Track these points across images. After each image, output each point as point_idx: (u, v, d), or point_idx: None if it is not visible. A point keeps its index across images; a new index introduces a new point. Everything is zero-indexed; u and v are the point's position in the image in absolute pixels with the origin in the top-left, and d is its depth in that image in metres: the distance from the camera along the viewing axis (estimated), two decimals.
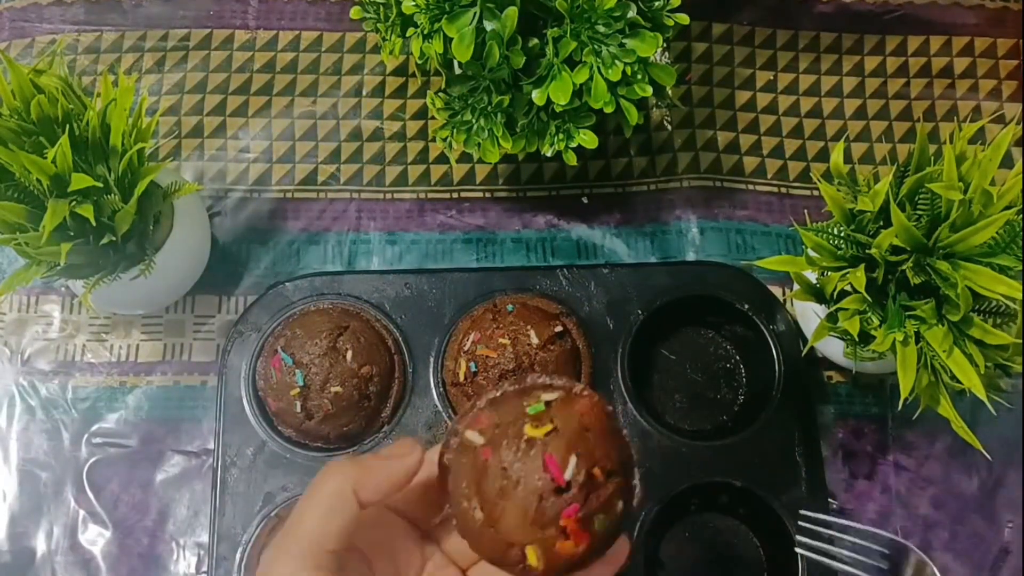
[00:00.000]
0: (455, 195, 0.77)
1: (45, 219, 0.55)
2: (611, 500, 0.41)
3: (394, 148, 0.79)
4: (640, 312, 0.71)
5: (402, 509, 0.46)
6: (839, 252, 0.60)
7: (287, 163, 0.78)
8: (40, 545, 0.68)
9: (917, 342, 0.56)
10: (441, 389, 0.69)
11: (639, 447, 0.68)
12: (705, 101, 0.80)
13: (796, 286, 0.62)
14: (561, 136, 0.66)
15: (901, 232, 0.55)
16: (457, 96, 0.67)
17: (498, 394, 0.44)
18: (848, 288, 0.58)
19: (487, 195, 0.78)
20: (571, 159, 0.67)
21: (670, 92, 0.75)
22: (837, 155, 0.61)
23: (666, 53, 0.81)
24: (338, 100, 0.80)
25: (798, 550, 0.62)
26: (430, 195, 0.77)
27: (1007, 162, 0.67)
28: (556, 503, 0.39)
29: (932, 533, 0.70)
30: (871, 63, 0.82)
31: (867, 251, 0.58)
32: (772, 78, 0.82)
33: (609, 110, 0.63)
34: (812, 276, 0.62)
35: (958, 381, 0.55)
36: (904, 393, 0.56)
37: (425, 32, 0.63)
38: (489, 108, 0.65)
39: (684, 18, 0.64)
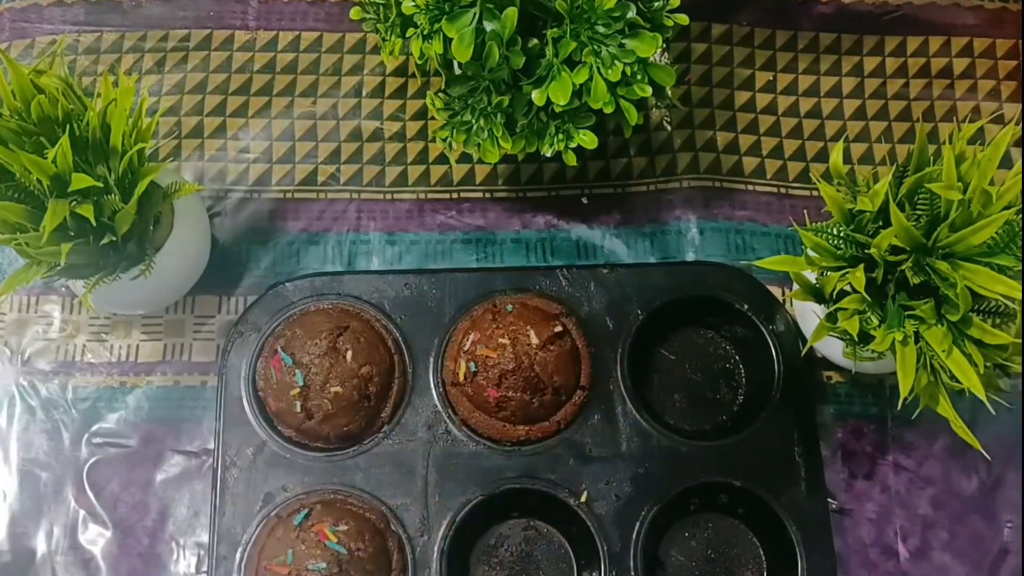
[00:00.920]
0: (455, 195, 0.78)
1: (45, 219, 0.56)
2: None
3: (394, 148, 0.79)
4: (640, 312, 0.71)
5: None
6: (838, 252, 0.60)
7: (287, 163, 0.78)
8: (40, 545, 0.68)
9: (916, 342, 0.56)
10: (441, 389, 0.69)
11: (639, 447, 0.68)
12: (704, 101, 0.81)
13: (795, 286, 0.62)
14: (561, 136, 0.66)
15: (900, 232, 0.55)
16: (457, 96, 0.67)
17: None
18: (847, 288, 0.58)
19: (487, 195, 0.78)
20: (571, 159, 0.67)
21: (669, 92, 0.75)
22: (836, 155, 0.61)
23: (665, 54, 0.81)
24: (338, 101, 0.80)
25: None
26: (430, 195, 0.77)
27: (1006, 162, 0.67)
28: None
29: (931, 533, 0.70)
30: (870, 64, 0.82)
31: (866, 251, 0.58)
32: (771, 79, 0.82)
33: (609, 110, 0.63)
34: (811, 276, 0.62)
35: (957, 381, 0.55)
36: (903, 393, 0.56)
37: (425, 33, 0.63)
38: (489, 108, 0.65)
39: (684, 19, 0.64)
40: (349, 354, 0.66)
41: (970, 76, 0.82)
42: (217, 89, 0.80)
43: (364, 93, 0.80)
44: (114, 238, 0.60)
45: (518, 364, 0.66)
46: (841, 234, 0.60)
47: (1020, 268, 0.55)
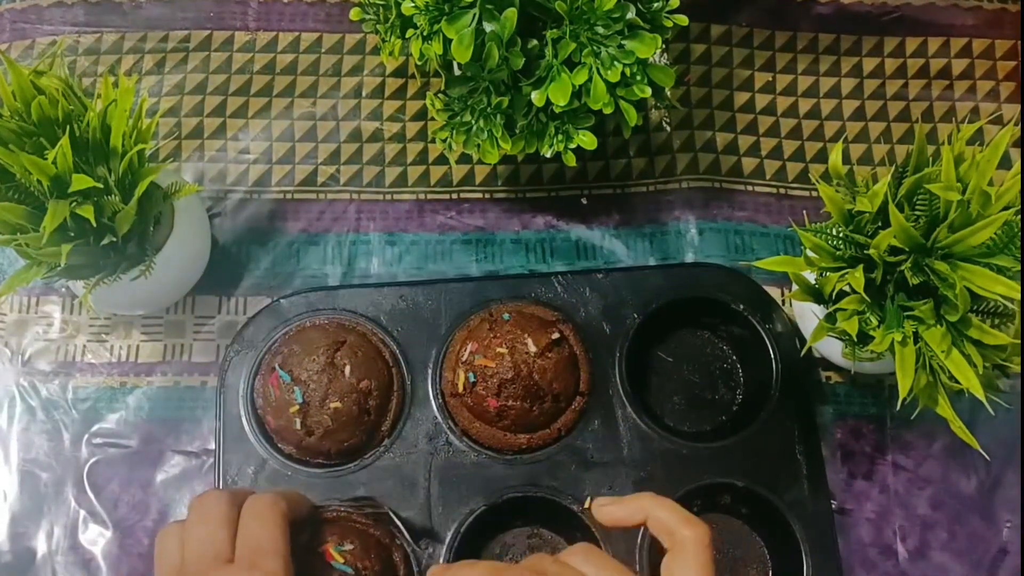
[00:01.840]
0: (454, 196, 0.78)
1: (46, 220, 0.56)
2: None
3: (394, 149, 0.79)
4: (636, 315, 0.71)
5: None
6: (837, 253, 0.60)
7: (287, 164, 0.78)
8: (41, 545, 0.68)
9: (915, 342, 0.57)
10: (440, 400, 0.69)
11: (640, 451, 0.68)
12: (704, 102, 0.81)
13: (795, 286, 0.62)
14: (560, 137, 0.66)
15: (899, 233, 0.55)
16: (456, 97, 0.67)
17: None
18: (846, 288, 0.58)
19: (486, 196, 0.78)
20: (570, 160, 0.67)
21: (669, 93, 0.75)
22: (835, 156, 0.61)
23: (665, 54, 0.81)
24: (338, 101, 0.80)
25: None
26: (429, 196, 0.78)
27: (1005, 163, 0.67)
28: None
29: (930, 533, 0.70)
30: (869, 64, 0.83)
31: (865, 252, 0.58)
32: (771, 79, 0.82)
33: (608, 111, 0.63)
34: (811, 276, 0.63)
35: (956, 381, 0.55)
36: (902, 393, 0.56)
37: (424, 33, 0.63)
38: (488, 109, 0.65)
39: (683, 19, 0.64)
40: (347, 369, 0.66)
41: (969, 77, 0.82)
42: (217, 90, 0.80)
43: (364, 94, 0.80)
44: (114, 239, 0.60)
45: (517, 372, 0.65)
46: (840, 235, 0.60)
47: (1019, 269, 0.55)
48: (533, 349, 0.66)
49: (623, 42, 0.62)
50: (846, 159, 0.79)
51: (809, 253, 0.61)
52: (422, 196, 0.77)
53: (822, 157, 0.79)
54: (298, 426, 0.65)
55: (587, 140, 0.66)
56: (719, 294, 0.71)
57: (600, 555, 0.48)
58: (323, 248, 0.76)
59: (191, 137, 0.78)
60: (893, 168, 0.60)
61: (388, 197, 0.77)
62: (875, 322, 0.58)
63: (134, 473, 0.70)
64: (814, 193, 0.76)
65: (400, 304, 0.72)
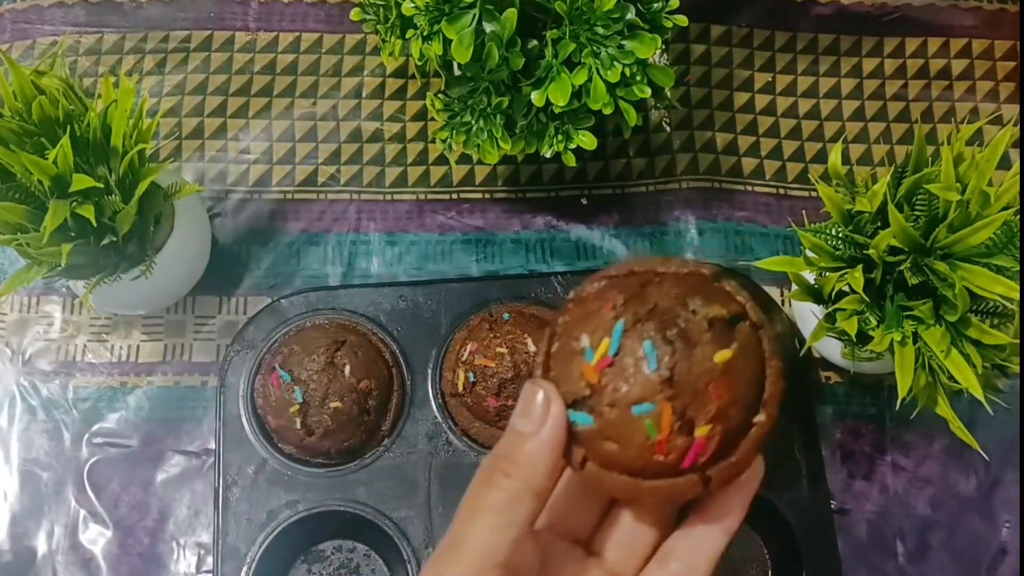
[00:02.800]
0: (454, 196, 0.78)
1: (46, 220, 0.56)
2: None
3: (394, 149, 0.79)
4: None
5: (557, 524, 0.43)
6: (837, 253, 0.60)
7: (287, 164, 0.78)
8: (41, 545, 0.68)
9: (915, 342, 0.57)
10: (440, 400, 0.69)
11: None
12: (703, 102, 0.81)
13: (794, 286, 0.62)
14: (560, 137, 0.66)
15: (899, 233, 0.55)
16: (456, 97, 0.67)
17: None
18: (846, 289, 0.58)
19: (486, 196, 0.78)
20: (570, 160, 0.67)
21: (669, 93, 0.75)
22: (835, 156, 0.61)
23: (665, 55, 0.81)
24: (338, 102, 0.80)
25: None
26: (430, 196, 0.78)
27: (1004, 163, 0.67)
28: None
29: (930, 533, 0.70)
30: (869, 65, 0.83)
31: (865, 252, 0.58)
32: (770, 80, 0.82)
33: (608, 111, 0.63)
34: (810, 277, 0.63)
35: (956, 381, 0.56)
36: (902, 393, 0.56)
37: (425, 34, 0.63)
38: (488, 109, 0.65)
39: (683, 20, 0.64)
40: (347, 369, 0.66)
41: (968, 77, 0.83)
42: (218, 90, 0.80)
43: (364, 94, 0.80)
44: (115, 239, 0.60)
45: (517, 373, 0.65)
46: (840, 235, 0.60)
47: (1018, 269, 0.55)
48: (533, 349, 0.66)
49: (623, 42, 0.62)
50: (846, 159, 0.79)
51: (808, 253, 0.61)
52: (422, 196, 0.78)
53: (822, 157, 0.79)
54: (298, 426, 0.66)
55: (587, 140, 0.66)
56: None
57: None
58: (323, 248, 0.76)
59: (192, 137, 0.78)
60: (892, 168, 0.60)
61: (388, 197, 0.77)
62: (874, 322, 0.58)
63: (134, 473, 0.70)
64: (814, 193, 0.76)
65: (400, 304, 0.72)
